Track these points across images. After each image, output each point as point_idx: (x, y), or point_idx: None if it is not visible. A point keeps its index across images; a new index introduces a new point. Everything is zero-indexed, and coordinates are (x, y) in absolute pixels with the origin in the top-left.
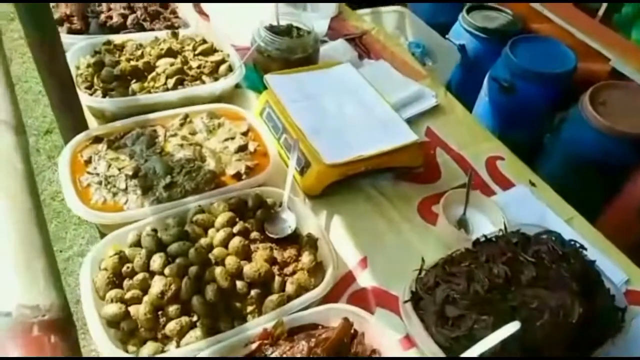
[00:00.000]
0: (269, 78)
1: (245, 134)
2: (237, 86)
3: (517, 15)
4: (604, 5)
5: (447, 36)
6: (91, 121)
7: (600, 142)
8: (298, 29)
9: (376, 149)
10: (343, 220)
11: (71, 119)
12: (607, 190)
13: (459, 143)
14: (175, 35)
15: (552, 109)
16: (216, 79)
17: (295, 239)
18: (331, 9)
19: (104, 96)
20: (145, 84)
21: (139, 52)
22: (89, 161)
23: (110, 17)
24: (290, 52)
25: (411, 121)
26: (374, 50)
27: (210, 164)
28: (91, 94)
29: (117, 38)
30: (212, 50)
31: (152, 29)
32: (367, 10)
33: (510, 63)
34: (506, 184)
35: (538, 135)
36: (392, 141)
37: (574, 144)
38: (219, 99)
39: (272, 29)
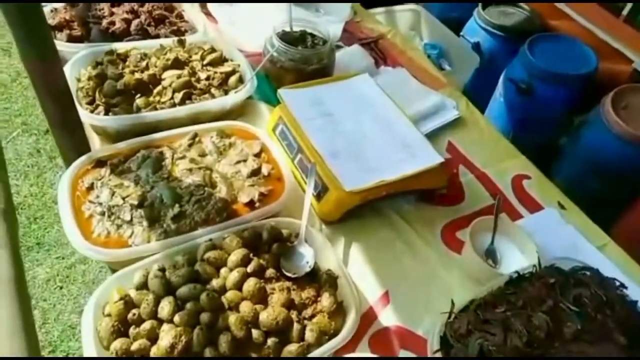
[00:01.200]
0: (283, 93)
1: (258, 155)
2: (248, 97)
3: (534, 12)
4: (629, 5)
5: (461, 33)
6: (93, 136)
7: (622, 149)
8: (312, 35)
9: (399, 173)
10: (362, 249)
11: (71, 140)
12: (627, 197)
13: (482, 160)
14: (181, 43)
15: (571, 111)
16: (226, 92)
17: (313, 275)
18: (345, 12)
19: (106, 112)
20: (151, 99)
21: (143, 63)
22: (90, 188)
23: (113, 23)
24: (305, 62)
25: (431, 135)
26: (391, 56)
27: (222, 191)
28: (93, 110)
29: (120, 46)
30: (222, 60)
31: (157, 35)
32: (381, 10)
33: (528, 63)
34: (534, 206)
35: (554, 138)
36: (416, 164)
37: (594, 150)
38: (228, 112)
39: (285, 36)
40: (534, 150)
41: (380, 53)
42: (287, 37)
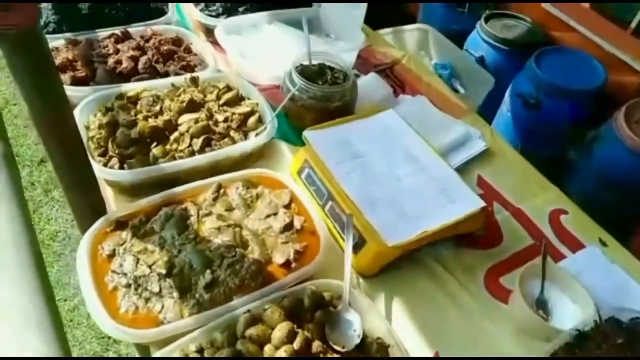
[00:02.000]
0: (308, 135)
1: (287, 206)
2: None
3: (536, 24)
4: (638, 17)
5: (464, 47)
6: (105, 189)
7: (635, 162)
8: (331, 68)
9: (440, 222)
10: (404, 304)
11: (87, 199)
12: None
13: (515, 194)
14: (194, 81)
15: (580, 125)
16: (245, 133)
17: (361, 343)
18: (360, 39)
19: (121, 164)
20: (168, 147)
21: (157, 107)
22: (112, 255)
23: (120, 62)
24: (328, 100)
25: (460, 169)
26: (408, 83)
27: (254, 251)
28: (106, 163)
29: (130, 88)
30: (238, 99)
31: (167, 72)
32: (389, 30)
33: (535, 77)
34: (574, 244)
35: (562, 151)
36: (457, 210)
37: (607, 164)
38: (249, 154)
39: (303, 71)
40: (541, 163)
41: (397, 80)
42: (306, 72)
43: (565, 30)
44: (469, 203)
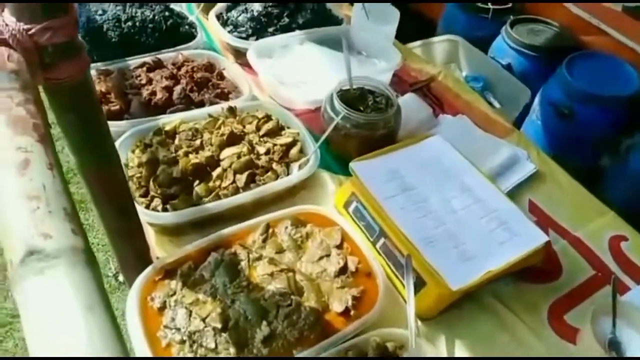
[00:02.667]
0: (355, 167)
1: (339, 245)
2: None
3: (564, 28)
4: None
5: (489, 54)
6: (147, 229)
7: None
8: (371, 91)
9: (504, 260)
10: (465, 348)
11: (132, 245)
12: None
13: (571, 221)
14: (232, 111)
15: (615, 132)
16: (287, 164)
17: None
18: (396, 59)
19: (164, 206)
20: (211, 184)
21: (197, 142)
22: (163, 307)
23: (154, 93)
24: (372, 128)
25: (510, 194)
26: (447, 101)
27: (310, 299)
28: (149, 204)
29: (167, 121)
30: (279, 129)
31: (202, 101)
32: (418, 43)
33: (566, 85)
34: (637, 273)
35: (595, 159)
36: (520, 247)
37: None
38: (292, 187)
39: (344, 96)
40: (573, 172)
41: (435, 99)
42: (347, 97)
43: (595, 34)
44: (532, 237)
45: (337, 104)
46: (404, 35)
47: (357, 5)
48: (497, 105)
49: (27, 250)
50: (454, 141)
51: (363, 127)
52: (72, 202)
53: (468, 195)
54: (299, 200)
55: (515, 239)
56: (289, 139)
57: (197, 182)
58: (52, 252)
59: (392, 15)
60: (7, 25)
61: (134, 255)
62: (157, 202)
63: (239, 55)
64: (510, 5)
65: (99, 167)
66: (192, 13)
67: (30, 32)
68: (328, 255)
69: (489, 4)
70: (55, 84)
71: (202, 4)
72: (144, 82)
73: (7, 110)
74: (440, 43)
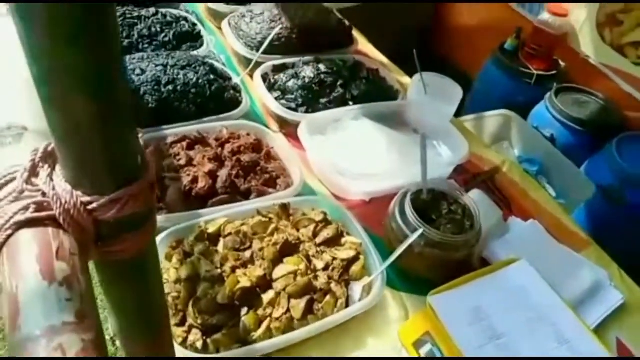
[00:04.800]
0: (433, 302)
1: None
2: None
3: (610, 102)
4: None
5: (528, 121)
6: None
7: None
8: (443, 195)
9: None
10: None
11: None
12: None
13: None
14: (285, 209)
15: None
16: (346, 283)
17: None
18: (464, 150)
19: (204, 342)
20: (260, 312)
21: (246, 253)
22: None
23: (196, 180)
24: (450, 249)
25: (595, 330)
26: (515, 200)
27: None
28: (185, 339)
29: (209, 219)
30: (339, 235)
31: (249, 190)
32: (470, 117)
33: (617, 167)
34: None
35: None
36: None
37: None
38: None
39: (415, 201)
40: (623, 261)
41: (501, 196)
42: (418, 204)
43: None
44: None
45: (411, 216)
46: None
47: (416, 76)
48: (552, 193)
49: None
50: (529, 256)
51: (440, 248)
52: None
53: (565, 349)
54: (353, 324)
55: None
56: (352, 253)
57: (245, 309)
58: None
59: (454, 93)
60: (57, 197)
61: None
62: (196, 335)
63: (285, 125)
64: (555, 72)
65: (144, 336)
66: (238, 75)
67: (90, 207)
68: None
69: (533, 68)
70: (109, 259)
71: (250, 66)
72: (183, 163)
73: None
74: (492, 117)
